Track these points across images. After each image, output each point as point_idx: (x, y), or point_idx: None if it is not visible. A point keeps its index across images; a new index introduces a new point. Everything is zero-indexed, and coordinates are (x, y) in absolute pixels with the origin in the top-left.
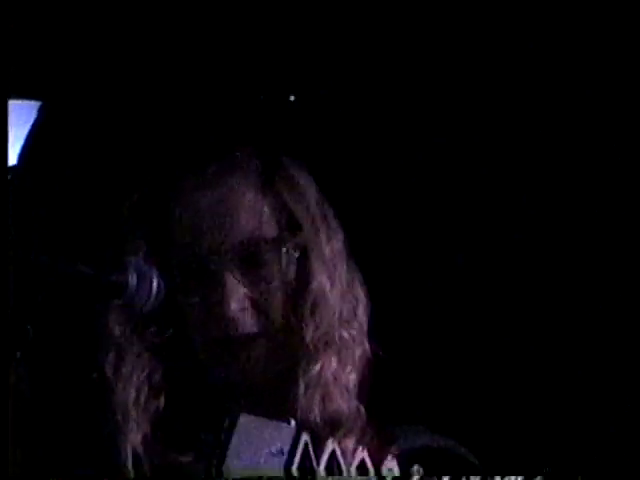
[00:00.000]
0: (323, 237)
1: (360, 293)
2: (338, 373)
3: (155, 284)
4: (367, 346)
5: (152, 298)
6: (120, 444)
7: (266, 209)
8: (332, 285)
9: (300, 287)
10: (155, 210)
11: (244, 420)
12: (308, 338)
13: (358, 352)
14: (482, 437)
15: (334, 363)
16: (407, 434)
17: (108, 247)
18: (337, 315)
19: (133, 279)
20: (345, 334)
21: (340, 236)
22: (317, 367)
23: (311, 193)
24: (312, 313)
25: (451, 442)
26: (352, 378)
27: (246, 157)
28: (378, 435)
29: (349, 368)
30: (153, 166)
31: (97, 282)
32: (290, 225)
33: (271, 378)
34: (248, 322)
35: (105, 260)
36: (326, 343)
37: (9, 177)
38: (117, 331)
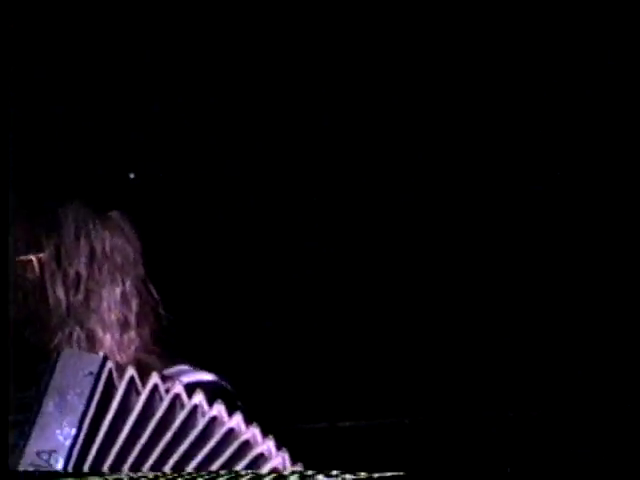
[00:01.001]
0: (66, 260)
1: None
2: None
3: None
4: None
5: None
6: None
7: (22, 235)
8: (69, 294)
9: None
10: None
11: (66, 352)
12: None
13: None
14: None
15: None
16: (186, 370)
17: None
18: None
19: None
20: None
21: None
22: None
23: (68, 225)
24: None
25: (214, 376)
26: (108, 338)
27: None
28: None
29: (100, 333)
30: None
31: None
32: (35, 246)
33: None
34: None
35: None
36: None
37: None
38: None
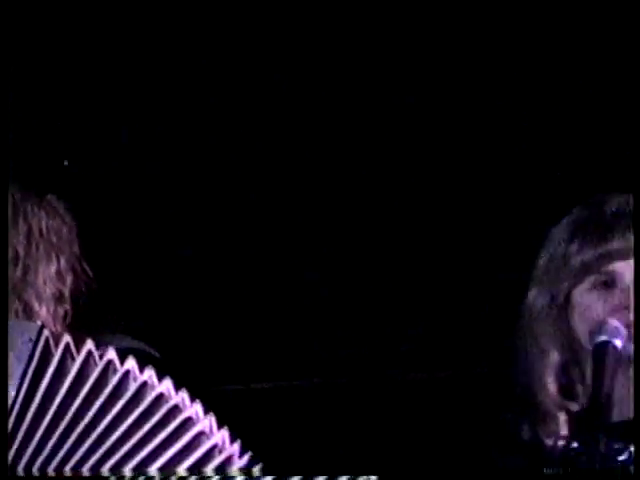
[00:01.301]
0: (23, 238)
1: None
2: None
3: None
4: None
5: None
6: None
7: None
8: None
9: None
10: None
11: (12, 323)
12: None
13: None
14: None
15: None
16: (118, 339)
17: None
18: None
19: None
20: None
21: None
22: None
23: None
24: None
25: (143, 344)
26: (44, 311)
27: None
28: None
29: (37, 306)
30: None
31: None
32: None
33: None
34: None
35: None
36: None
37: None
38: None
